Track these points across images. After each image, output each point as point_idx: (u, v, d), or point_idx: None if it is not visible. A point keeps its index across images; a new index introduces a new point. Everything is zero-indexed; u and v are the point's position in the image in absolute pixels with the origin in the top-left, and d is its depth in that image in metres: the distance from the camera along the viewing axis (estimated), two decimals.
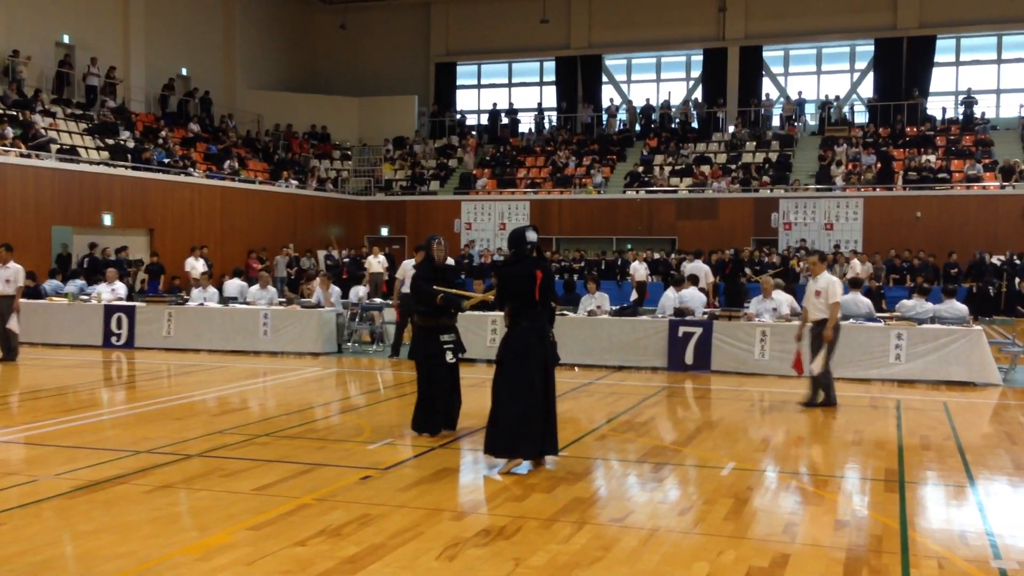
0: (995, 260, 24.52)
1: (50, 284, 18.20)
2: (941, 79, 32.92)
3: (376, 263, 23.26)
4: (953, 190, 27.33)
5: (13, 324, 13.74)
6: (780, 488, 6.83)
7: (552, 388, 7.23)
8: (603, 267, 26.86)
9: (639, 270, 23.61)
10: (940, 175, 28.07)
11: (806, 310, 10.48)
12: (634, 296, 22.24)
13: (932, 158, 28.99)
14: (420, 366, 8.45)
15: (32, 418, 9.31)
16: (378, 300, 17.55)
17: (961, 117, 31.56)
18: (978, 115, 31.35)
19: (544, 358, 7.10)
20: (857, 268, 22.69)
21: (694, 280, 15.61)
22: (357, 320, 16.34)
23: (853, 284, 14.48)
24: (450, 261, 9.24)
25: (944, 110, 32.41)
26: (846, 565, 5.07)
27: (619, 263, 26.77)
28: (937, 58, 32.65)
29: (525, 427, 6.99)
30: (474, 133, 36.27)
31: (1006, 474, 7.38)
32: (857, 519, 6.02)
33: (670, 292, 14.67)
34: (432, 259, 8.40)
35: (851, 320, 13.19)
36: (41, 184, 21.06)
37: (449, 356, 8.33)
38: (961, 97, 32.07)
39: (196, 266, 21.01)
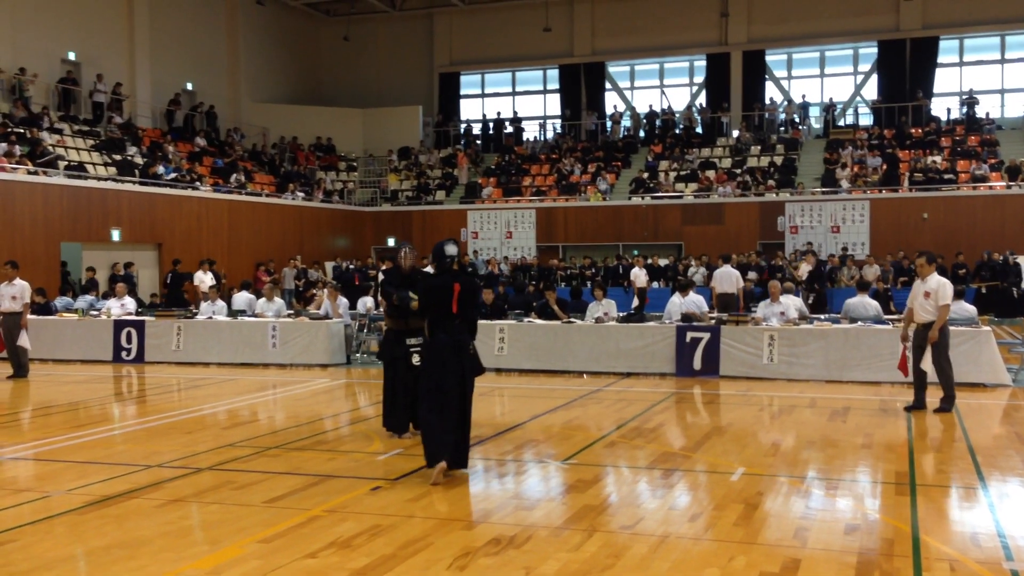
0: (1015, 260, 24.36)
1: (60, 300, 18.29)
2: (945, 80, 32.88)
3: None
4: (959, 191, 27.28)
5: (23, 341, 13.78)
6: (790, 493, 6.82)
7: (468, 401, 7.24)
8: (601, 273, 26.78)
9: (639, 276, 23.59)
10: (946, 176, 28.02)
11: (911, 311, 10.24)
12: (635, 303, 22.23)
13: (938, 159, 28.93)
14: (386, 367, 8.92)
15: (43, 434, 9.35)
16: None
17: (964, 118, 31.50)
18: (981, 115, 31.29)
19: (461, 370, 7.14)
20: (804, 269, 22.59)
21: (690, 285, 15.62)
22: (365, 331, 16.38)
23: (860, 286, 14.49)
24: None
25: (948, 111, 32.36)
26: (858, 569, 5.06)
27: (620, 269, 26.73)
28: (940, 59, 32.63)
29: (440, 436, 7.06)
30: (477, 143, 36.31)
31: (1017, 475, 7.35)
32: (868, 523, 6.00)
33: (675, 298, 14.66)
34: (400, 267, 8.83)
35: (859, 323, 13.19)
36: (49, 201, 21.17)
37: (415, 359, 8.53)
38: (963, 97, 32.02)
39: (204, 280, 21.08)
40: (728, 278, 18.19)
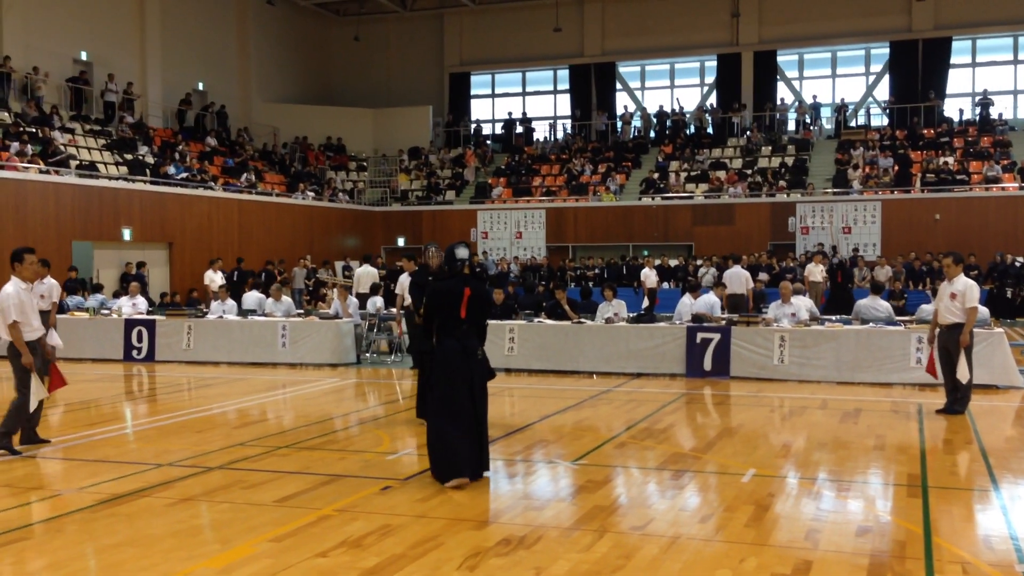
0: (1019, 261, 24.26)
1: (72, 299, 18.34)
2: (957, 81, 32.71)
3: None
4: (972, 192, 27.14)
5: (52, 339, 13.73)
6: (801, 494, 6.79)
7: (482, 406, 7.07)
8: (606, 274, 26.75)
9: (650, 277, 23.57)
10: (958, 177, 27.89)
11: (938, 313, 10.16)
12: (645, 303, 22.20)
13: (950, 160, 28.80)
14: (417, 361, 9.39)
15: (55, 432, 9.38)
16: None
17: (978, 118, 31.35)
18: (995, 116, 31.12)
19: (471, 376, 6.99)
20: (817, 273, 22.37)
21: (712, 285, 15.62)
22: (375, 331, 16.39)
23: (873, 288, 14.43)
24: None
25: (961, 112, 32.20)
26: (869, 571, 5.03)
27: (624, 269, 26.63)
28: (953, 59, 32.45)
29: (457, 447, 6.88)
30: (487, 143, 36.32)
31: None
32: (880, 525, 5.98)
33: (686, 299, 14.63)
34: (427, 267, 8.99)
35: (871, 324, 13.14)
36: (61, 200, 21.26)
37: None
38: (977, 98, 31.86)
39: (215, 279, 21.12)
40: (737, 279, 18.17)
